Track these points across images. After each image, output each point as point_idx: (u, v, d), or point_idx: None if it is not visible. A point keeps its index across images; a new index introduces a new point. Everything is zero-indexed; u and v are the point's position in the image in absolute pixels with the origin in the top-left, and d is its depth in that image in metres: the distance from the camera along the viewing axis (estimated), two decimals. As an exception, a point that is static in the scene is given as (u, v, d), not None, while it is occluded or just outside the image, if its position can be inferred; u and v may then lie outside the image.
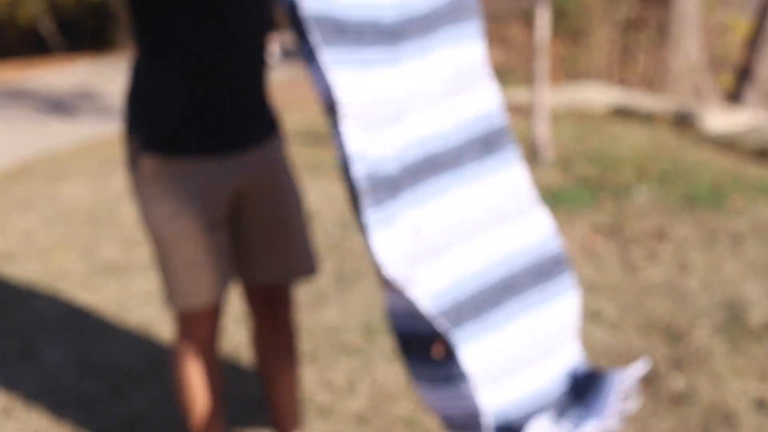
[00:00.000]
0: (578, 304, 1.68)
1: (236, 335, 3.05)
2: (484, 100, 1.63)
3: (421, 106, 1.53)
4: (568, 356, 1.65)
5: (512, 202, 1.63)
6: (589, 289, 3.34)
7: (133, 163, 1.89)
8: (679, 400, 2.50)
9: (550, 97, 6.36)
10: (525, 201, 1.65)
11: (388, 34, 1.48)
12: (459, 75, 1.60)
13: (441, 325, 1.40)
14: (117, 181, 5.56)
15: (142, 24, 1.83)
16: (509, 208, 1.62)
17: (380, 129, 1.44)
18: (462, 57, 1.61)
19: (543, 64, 5.27)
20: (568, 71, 9.07)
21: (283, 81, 7.98)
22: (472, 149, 1.60)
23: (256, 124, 1.94)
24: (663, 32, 8.54)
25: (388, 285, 1.41)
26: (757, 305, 3.10)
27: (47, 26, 14.91)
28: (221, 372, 2.08)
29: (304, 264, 2.07)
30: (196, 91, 1.82)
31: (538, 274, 1.63)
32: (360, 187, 1.38)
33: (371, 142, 1.42)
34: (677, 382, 2.60)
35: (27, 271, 3.92)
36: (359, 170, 1.38)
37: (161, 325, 3.20)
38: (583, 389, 1.63)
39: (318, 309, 3.25)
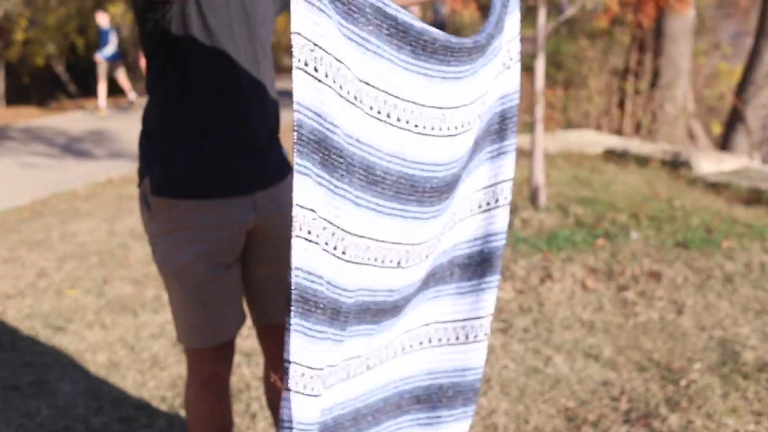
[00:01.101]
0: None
1: (248, 370, 3.13)
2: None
3: None
4: None
5: None
6: (586, 328, 3.45)
7: (145, 203, 1.92)
8: (675, 436, 2.59)
9: (546, 142, 6.50)
10: None
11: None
12: None
13: None
14: (129, 221, 5.66)
15: (154, 72, 1.88)
16: None
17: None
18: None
19: (539, 111, 5.40)
20: (562, 120, 9.23)
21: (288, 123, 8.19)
22: None
23: (268, 166, 1.95)
24: (656, 80, 8.74)
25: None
26: (751, 345, 3.21)
27: (61, 70, 15.12)
28: (230, 407, 2.10)
29: None
30: (206, 138, 1.85)
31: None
32: None
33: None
34: (673, 421, 2.68)
35: (40, 306, 4.00)
36: None
37: (171, 361, 3.24)
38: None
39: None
